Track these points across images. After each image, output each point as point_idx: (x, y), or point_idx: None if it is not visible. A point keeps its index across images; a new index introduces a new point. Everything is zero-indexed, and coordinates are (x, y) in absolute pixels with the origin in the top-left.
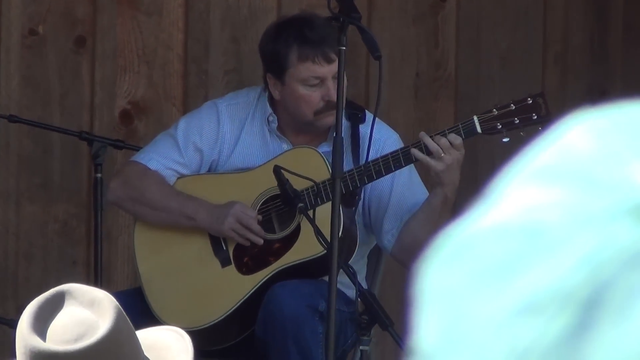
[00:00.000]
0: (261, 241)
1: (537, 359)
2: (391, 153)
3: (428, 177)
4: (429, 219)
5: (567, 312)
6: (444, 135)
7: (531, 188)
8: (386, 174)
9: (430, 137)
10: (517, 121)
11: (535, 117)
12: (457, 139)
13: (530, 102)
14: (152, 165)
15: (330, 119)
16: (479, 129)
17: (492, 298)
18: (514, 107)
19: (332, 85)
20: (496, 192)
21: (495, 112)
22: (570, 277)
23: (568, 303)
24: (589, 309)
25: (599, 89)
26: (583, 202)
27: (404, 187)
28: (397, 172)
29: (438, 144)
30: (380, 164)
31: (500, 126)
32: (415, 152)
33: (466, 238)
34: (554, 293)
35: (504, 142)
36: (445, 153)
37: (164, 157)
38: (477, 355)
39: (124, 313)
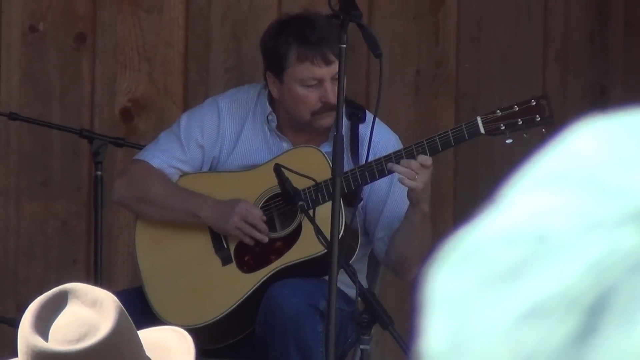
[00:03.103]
0: (266, 239)
1: None
2: (394, 153)
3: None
4: (411, 236)
5: (573, 317)
6: (419, 152)
7: (539, 194)
8: (389, 174)
9: (400, 158)
10: (521, 122)
11: (539, 118)
12: (427, 160)
13: (534, 103)
14: (155, 162)
15: (327, 121)
16: (482, 130)
17: (498, 303)
18: (517, 109)
19: (330, 87)
20: (504, 198)
21: (498, 113)
22: (576, 282)
23: (573, 308)
24: (594, 314)
25: (600, 86)
26: (590, 208)
27: (400, 196)
28: (395, 180)
29: (409, 167)
30: (383, 163)
31: (504, 127)
32: (392, 166)
33: (474, 243)
34: (559, 298)
35: (507, 143)
36: (418, 174)
37: (167, 155)
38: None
39: (127, 313)
